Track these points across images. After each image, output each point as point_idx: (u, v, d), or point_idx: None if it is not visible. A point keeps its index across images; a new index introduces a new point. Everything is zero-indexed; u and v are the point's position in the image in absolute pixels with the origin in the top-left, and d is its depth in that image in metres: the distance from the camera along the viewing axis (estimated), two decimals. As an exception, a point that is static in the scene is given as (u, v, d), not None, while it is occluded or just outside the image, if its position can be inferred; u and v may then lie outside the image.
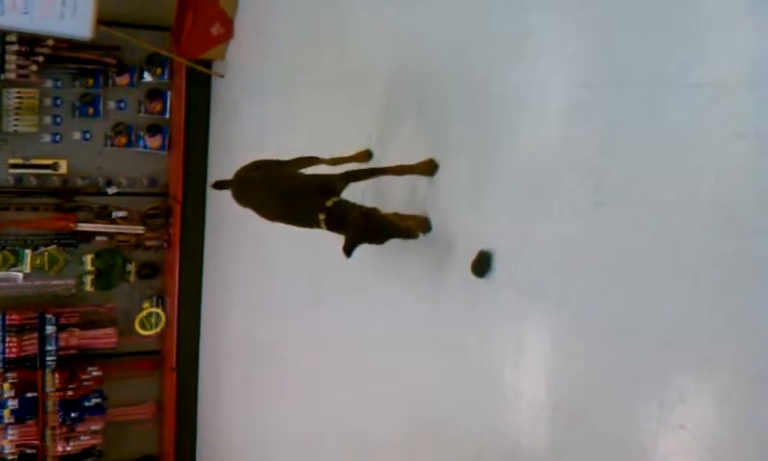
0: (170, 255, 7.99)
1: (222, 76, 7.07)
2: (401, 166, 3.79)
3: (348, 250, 3.40)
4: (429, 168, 3.68)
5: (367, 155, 4.27)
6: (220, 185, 4.21)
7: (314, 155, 4.17)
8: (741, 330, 2.21)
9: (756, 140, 2.18)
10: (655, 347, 2.50)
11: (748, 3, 2.21)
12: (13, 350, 7.44)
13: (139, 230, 7.81)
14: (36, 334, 7.50)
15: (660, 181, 2.47)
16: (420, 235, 3.65)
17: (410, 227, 3.57)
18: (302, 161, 4.11)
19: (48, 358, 7.55)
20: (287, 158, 4.10)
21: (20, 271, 7.48)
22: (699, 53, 2.35)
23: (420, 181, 3.77)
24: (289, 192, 3.71)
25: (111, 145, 7.67)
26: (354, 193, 3.93)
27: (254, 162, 4.11)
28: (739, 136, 2.21)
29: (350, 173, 3.85)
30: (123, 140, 7.69)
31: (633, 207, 2.59)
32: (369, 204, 3.87)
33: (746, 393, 2.21)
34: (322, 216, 3.49)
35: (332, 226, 3.50)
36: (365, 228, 3.42)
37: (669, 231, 2.44)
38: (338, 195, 3.59)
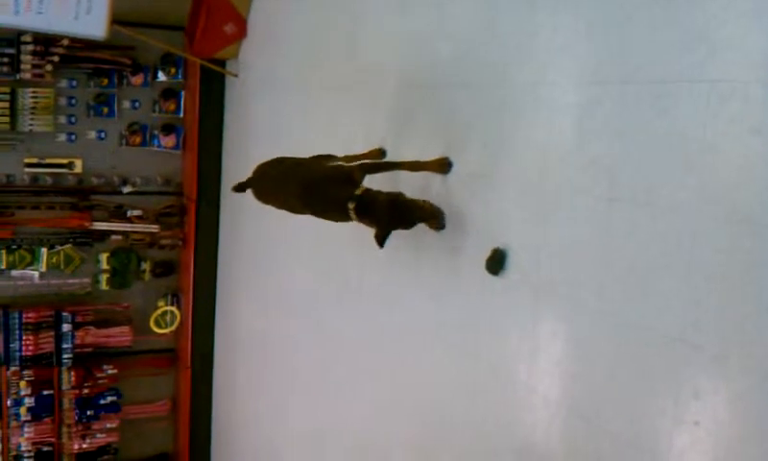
0: (184, 254, 8.02)
1: (236, 75, 7.09)
2: (416, 162, 3.80)
3: (381, 239, 3.43)
4: (443, 166, 3.69)
5: (380, 152, 4.28)
6: (240, 188, 4.21)
7: (329, 153, 4.19)
8: (754, 327, 2.21)
9: (769, 137, 2.17)
10: (668, 344, 2.50)
11: (759, 1, 2.20)
12: (30, 348, 7.49)
13: (154, 228, 7.85)
14: (52, 332, 7.54)
15: (673, 178, 2.47)
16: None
17: (437, 210, 3.59)
18: (319, 159, 4.14)
19: (64, 356, 7.60)
20: (304, 157, 4.13)
21: (36, 270, 7.53)
22: (711, 50, 2.35)
23: (433, 178, 3.78)
24: (314, 183, 3.73)
25: (126, 144, 7.71)
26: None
27: (274, 159, 4.12)
28: (752, 133, 2.21)
29: (367, 165, 3.87)
30: (137, 139, 7.73)
31: (645, 205, 2.58)
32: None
33: (760, 389, 2.21)
34: (352, 205, 3.52)
35: (361, 214, 3.53)
36: (393, 214, 3.45)
37: (682, 229, 2.44)
38: (359, 186, 3.62)
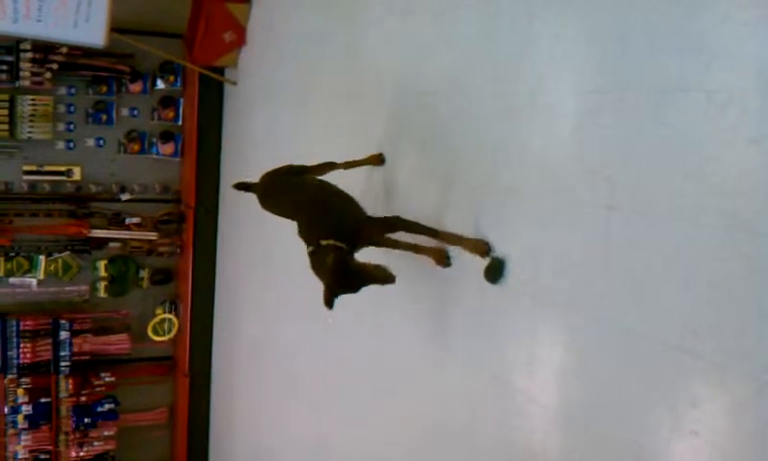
0: (183, 262, 8.02)
1: (234, 83, 7.10)
2: (457, 236, 3.54)
3: (328, 301, 3.26)
4: (482, 247, 3.41)
5: (379, 158, 4.28)
6: (242, 187, 4.20)
7: (330, 160, 4.21)
8: (753, 336, 2.21)
9: (767, 145, 2.17)
10: (666, 352, 2.50)
11: (758, 10, 2.21)
12: (28, 355, 7.49)
13: (152, 236, 7.86)
14: (50, 340, 7.55)
15: (672, 186, 2.47)
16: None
17: (388, 275, 3.35)
18: (323, 167, 4.14)
19: (62, 364, 7.59)
20: (310, 164, 4.14)
21: (34, 277, 7.53)
22: (709, 59, 2.35)
23: (434, 188, 3.78)
24: (320, 214, 3.64)
25: (125, 152, 7.73)
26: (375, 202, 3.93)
27: (282, 169, 4.12)
28: (751, 142, 2.21)
29: (388, 222, 3.69)
30: (136, 147, 7.74)
31: (644, 213, 2.58)
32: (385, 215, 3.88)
33: (758, 398, 2.20)
34: (310, 249, 3.45)
35: (312, 265, 3.42)
36: (339, 278, 3.28)
37: (681, 237, 2.44)
38: (341, 237, 3.43)
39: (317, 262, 3.40)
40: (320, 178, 4.05)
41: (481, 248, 3.36)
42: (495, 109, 3.38)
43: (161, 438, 8.40)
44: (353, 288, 3.35)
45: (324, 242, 3.38)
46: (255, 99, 6.64)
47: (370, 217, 3.71)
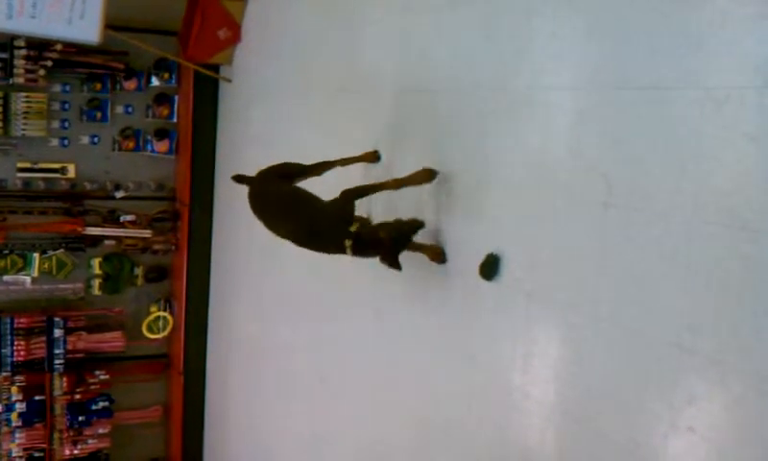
0: (177, 259, 8.00)
1: (229, 80, 7.08)
2: (399, 180, 3.79)
3: (397, 263, 3.44)
4: (428, 177, 3.67)
5: (374, 155, 4.27)
6: (240, 180, 4.20)
7: (326, 159, 4.19)
8: (750, 332, 2.21)
9: (765, 143, 2.17)
10: (663, 350, 2.50)
11: (756, 7, 2.21)
12: (22, 353, 7.47)
13: (147, 233, 7.83)
14: (44, 338, 7.52)
15: (669, 183, 2.48)
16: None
17: (416, 220, 3.53)
18: (319, 167, 4.13)
19: (56, 362, 7.57)
20: (308, 164, 4.13)
21: (28, 275, 7.51)
22: (707, 57, 2.35)
23: (430, 186, 3.77)
24: (313, 226, 3.70)
25: (119, 149, 7.70)
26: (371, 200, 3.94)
27: (277, 167, 4.10)
28: (748, 139, 2.21)
29: (352, 192, 3.78)
30: (131, 144, 7.72)
31: (641, 210, 2.59)
32: (377, 216, 3.88)
33: (755, 395, 2.21)
34: (348, 242, 3.48)
35: (360, 250, 3.50)
36: (399, 247, 3.44)
37: (678, 234, 2.44)
38: (353, 220, 3.58)
39: (361, 245, 3.48)
40: (297, 186, 4.03)
41: (428, 176, 3.64)
42: (493, 105, 3.38)
43: (156, 436, 8.39)
44: (406, 246, 3.53)
45: (352, 228, 3.50)
46: (251, 96, 6.63)
47: (343, 200, 3.78)
